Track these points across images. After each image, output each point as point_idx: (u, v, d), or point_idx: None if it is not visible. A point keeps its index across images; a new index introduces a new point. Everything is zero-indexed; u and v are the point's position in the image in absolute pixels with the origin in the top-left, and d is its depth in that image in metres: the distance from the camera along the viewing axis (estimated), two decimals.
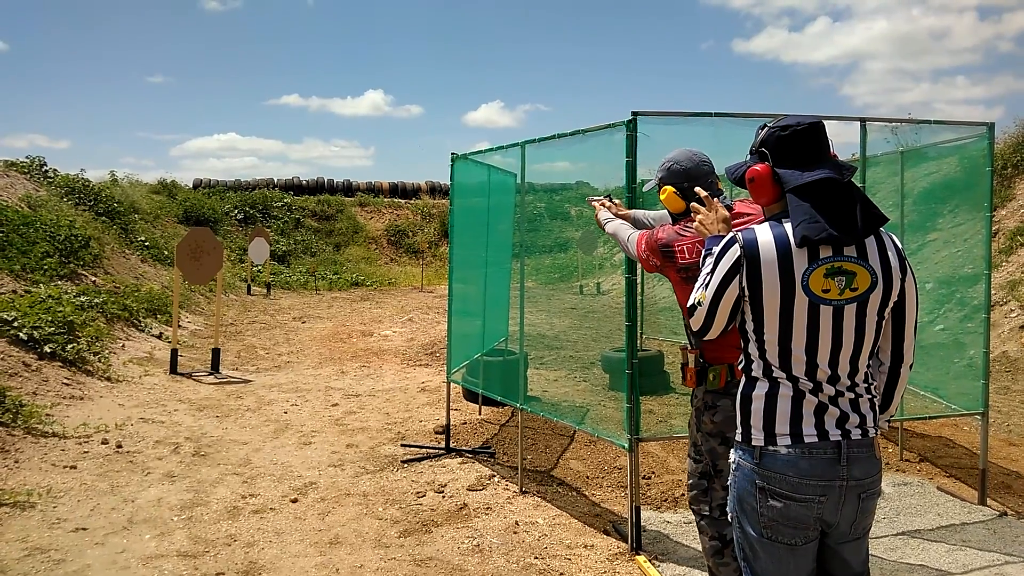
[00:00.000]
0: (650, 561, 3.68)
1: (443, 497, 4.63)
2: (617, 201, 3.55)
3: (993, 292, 8.91)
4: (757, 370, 1.99)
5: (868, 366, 1.99)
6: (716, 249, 2.04)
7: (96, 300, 9.35)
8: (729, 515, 2.10)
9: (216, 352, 8.54)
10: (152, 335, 9.92)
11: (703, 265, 2.11)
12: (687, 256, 2.83)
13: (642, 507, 4.14)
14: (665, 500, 4.55)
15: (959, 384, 5.04)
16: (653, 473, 5.00)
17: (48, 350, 7.07)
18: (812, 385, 1.93)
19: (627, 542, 3.83)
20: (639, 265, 3.39)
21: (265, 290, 17.28)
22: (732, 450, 2.07)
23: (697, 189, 2.48)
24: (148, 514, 4.31)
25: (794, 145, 1.98)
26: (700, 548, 3.10)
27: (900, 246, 2.00)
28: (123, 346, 8.76)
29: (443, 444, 5.58)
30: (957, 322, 6.86)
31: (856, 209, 1.91)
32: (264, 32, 74.94)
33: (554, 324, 11.67)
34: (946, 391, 5.00)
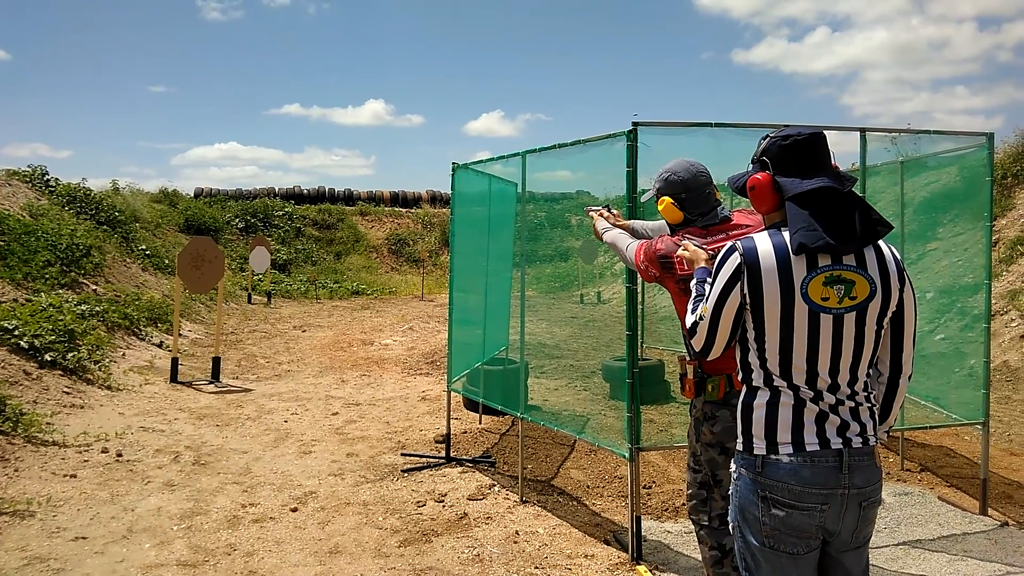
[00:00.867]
0: (651, 571, 3.67)
1: (443, 506, 4.62)
2: (615, 211, 3.55)
3: (993, 301, 8.92)
4: (758, 379, 2.00)
5: (867, 375, 1.99)
6: (714, 263, 2.05)
7: (97, 309, 9.37)
8: (730, 525, 2.09)
9: (216, 361, 8.55)
10: (153, 344, 9.93)
11: (693, 288, 2.12)
12: (686, 267, 2.83)
13: (643, 517, 4.14)
14: (666, 510, 4.54)
15: (960, 394, 5.03)
16: (654, 483, 4.99)
17: (49, 359, 7.07)
18: (813, 394, 1.94)
19: (628, 552, 3.82)
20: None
21: (266, 299, 17.29)
22: (733, 460, 2.08)
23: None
24: (148, 523, 4.30)
25: (795, 155, 1.99)
26: (700, 558, 3.09)
27: (899, 257, 2.01)
28: (124, 355, 8.77)
29: (443, 453, 5.57)
30: (958, 332, 6.85)
31: (855, 218, 1.92)
32: (265, 42, 75.21)
33: (555, 333, 11.66)
34: (947, 401, 4.99)
